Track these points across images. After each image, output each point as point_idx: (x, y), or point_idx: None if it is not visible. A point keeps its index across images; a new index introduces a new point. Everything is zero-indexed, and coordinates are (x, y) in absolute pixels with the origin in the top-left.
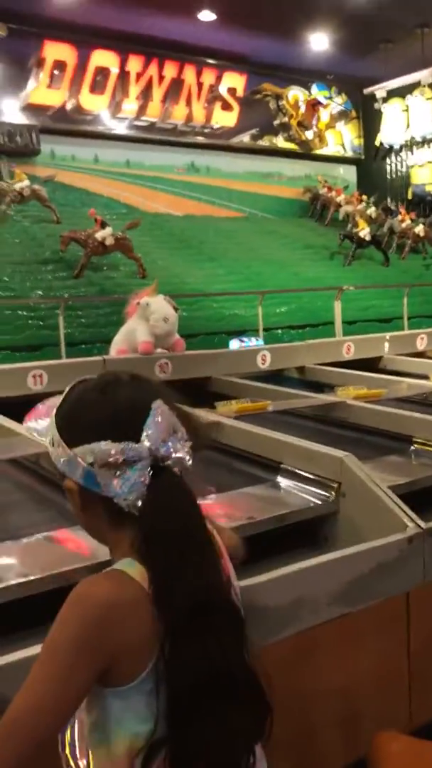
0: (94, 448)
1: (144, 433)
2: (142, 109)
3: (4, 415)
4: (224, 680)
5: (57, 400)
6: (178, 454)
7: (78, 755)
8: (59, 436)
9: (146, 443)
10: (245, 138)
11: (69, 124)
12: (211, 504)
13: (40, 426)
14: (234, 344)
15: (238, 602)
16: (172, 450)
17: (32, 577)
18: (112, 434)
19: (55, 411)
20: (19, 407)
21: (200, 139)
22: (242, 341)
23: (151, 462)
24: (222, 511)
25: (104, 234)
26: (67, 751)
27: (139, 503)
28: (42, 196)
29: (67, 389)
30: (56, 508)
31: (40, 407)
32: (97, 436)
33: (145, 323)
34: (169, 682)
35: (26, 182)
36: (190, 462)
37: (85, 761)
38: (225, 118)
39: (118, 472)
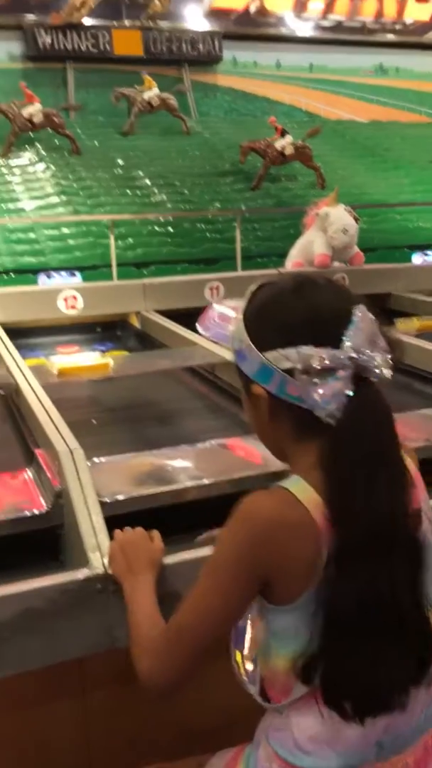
0: (290, 354)
1: (346, 340)
2: (328, 7)
3: (181, 324)
4: (390, 617)
5: (229, 306)
6: (380, 365)
7: (246, 659)
8: (249, 339)
9: (349, 350)
10: None
11: (252, 28)
12: None
13: (211, 332)
14: (417, 259)
15: (430, 535)
16: (374, 361)
17: (206, 481)
18: (312, 338)
19: (242, 313)
20: (196, 318)
21: (390, 36)
22: (426, 255)
23: (353, 371)
24: (399, 431)
25: (284, 143)
26: (238, 654)
27: (339, 414)
28: (172, 106)
29: (251, 291)
30: (230, 416)
31: (211, 312)
32: (296, 340)
33: (323, 235)
34: (330, 606)
35: (155, 91)
36: (391, 375)
37: (252, 665)
38: (420, 11)
39: (318, 380)
